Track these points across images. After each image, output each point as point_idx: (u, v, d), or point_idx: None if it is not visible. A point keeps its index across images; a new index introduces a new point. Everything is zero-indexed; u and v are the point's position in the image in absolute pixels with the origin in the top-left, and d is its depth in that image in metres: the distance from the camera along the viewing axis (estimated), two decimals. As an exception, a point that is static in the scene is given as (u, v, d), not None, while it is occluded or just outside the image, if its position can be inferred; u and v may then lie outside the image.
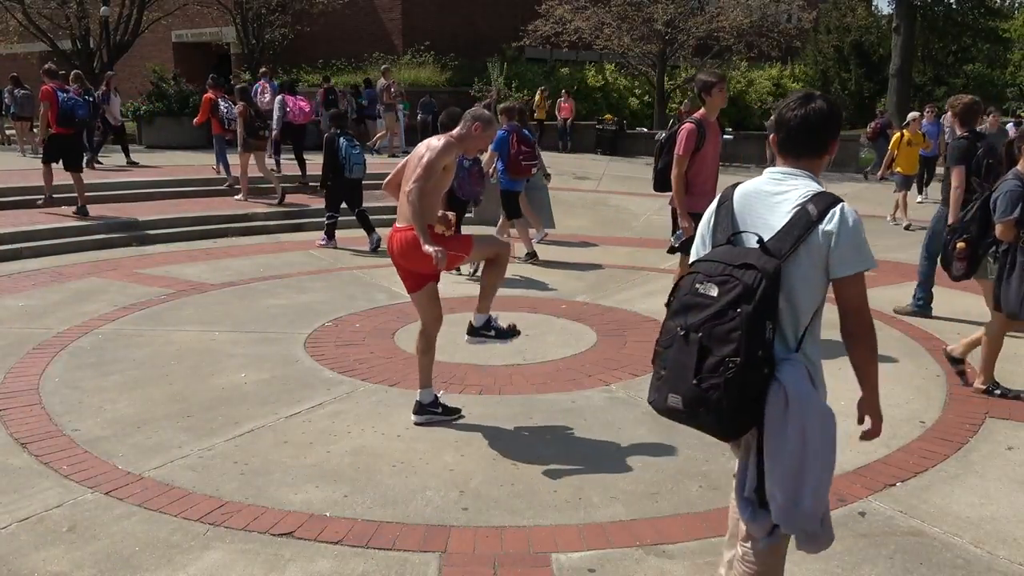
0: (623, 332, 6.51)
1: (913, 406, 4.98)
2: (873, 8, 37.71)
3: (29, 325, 6.47)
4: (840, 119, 2.51)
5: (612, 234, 11.40)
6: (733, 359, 2.23)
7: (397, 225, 4.44)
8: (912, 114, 12.80)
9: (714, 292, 2.29)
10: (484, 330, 4.72)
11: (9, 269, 8.46)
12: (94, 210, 10.78)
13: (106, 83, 16.12)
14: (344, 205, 9.86)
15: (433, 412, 4.69)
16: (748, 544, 2.57)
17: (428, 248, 4.19)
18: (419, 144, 4.54)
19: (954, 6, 28.73)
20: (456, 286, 7.87)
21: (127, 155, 15.54)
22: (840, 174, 17.56)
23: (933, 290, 7.16)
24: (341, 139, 9.49)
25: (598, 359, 5.86)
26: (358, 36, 26.70)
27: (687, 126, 6.11)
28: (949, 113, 7.00)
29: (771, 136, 2.54)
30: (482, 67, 23.84)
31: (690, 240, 6.30)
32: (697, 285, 2.34)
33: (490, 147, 8.79)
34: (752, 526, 2.49)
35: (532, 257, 9.20)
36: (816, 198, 2.38)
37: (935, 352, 6.02)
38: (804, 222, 2.35)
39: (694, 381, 2.28)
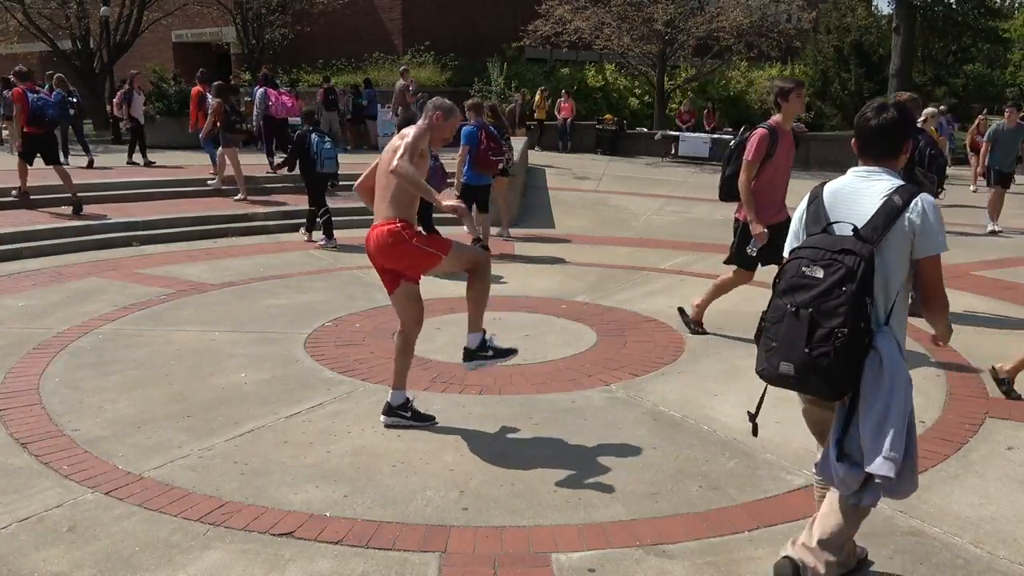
0: (623, 332, 6.51)
1: (913, 406, 4.97)
2: (873, 8, 37.58)
3: (29, 325, 6.48)
4: (910, 122, 2.85)
5: (612, 234, 11.39)
6: (841, 330, 2.60)
7: (374, 223, 4.45)
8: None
9: (820, 274, 2.66)
10: (481, 351, 4.51)
11: (9, 269, 8.46)
12: (95, 210, 10.79)
13: (129, 82, 16.25)
14: (316, 201, 9.98)
15: (402, 416, 4.61)
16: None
17: (447, 202, 4.24)
18: (392, 139, 4.53)
19: (954, 6, 28.67)
20: (457, 287, 7.86)
21: (130, 155, 15.63)
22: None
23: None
24: (312, 135, 9.65)
25: (598, 359, 5.86)
26: (358, 36, 26.72)
27: (759, 131, 5.72)
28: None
29: (852, 141, 2.94)
30: (482, 67, 23.84)
31: (742, 251, 6.13)
32: (803, 268, 2.70)
33: (462, 142, 9.04)
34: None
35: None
36: (900, 190, 2.76)
37: (935, 352, 6.01)
38: (892, 211, 2.72)
39: (806, 350, 2.64)
